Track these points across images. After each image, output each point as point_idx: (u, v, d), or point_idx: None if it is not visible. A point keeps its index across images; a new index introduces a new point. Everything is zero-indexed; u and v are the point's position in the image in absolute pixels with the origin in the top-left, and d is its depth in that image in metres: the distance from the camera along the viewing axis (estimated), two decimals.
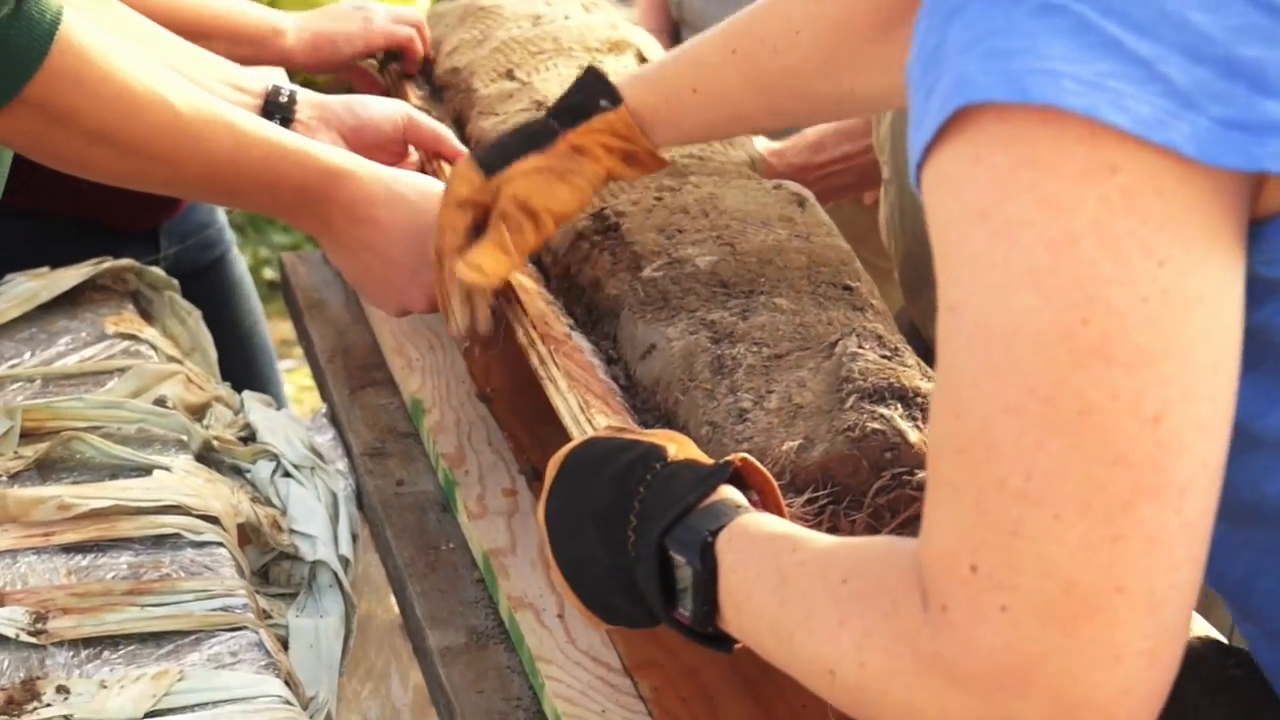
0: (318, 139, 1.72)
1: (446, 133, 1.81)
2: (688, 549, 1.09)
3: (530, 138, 1.52)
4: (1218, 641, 1.18)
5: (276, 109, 1.75)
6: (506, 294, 1.55)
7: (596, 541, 1.16)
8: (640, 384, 1.44)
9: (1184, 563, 0.88)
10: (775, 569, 1.04)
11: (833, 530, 1.21)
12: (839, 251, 1.54)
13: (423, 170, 1.78)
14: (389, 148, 1.80)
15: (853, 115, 1.79)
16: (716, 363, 1.36)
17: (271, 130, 1.53)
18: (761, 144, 2.00)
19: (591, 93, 1.52)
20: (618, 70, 1.84)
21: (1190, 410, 0.87)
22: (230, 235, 2.28)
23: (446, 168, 1.75)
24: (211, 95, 1.50)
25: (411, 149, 1.81)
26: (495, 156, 1.52)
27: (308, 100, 1.78)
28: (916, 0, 0.98)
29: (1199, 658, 1.12)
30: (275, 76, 1.83)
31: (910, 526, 1.21)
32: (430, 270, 1.57)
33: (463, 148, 1.79)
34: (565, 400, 1.38)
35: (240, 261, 2.28)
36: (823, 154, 2.13)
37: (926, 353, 2.01)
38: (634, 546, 1.14)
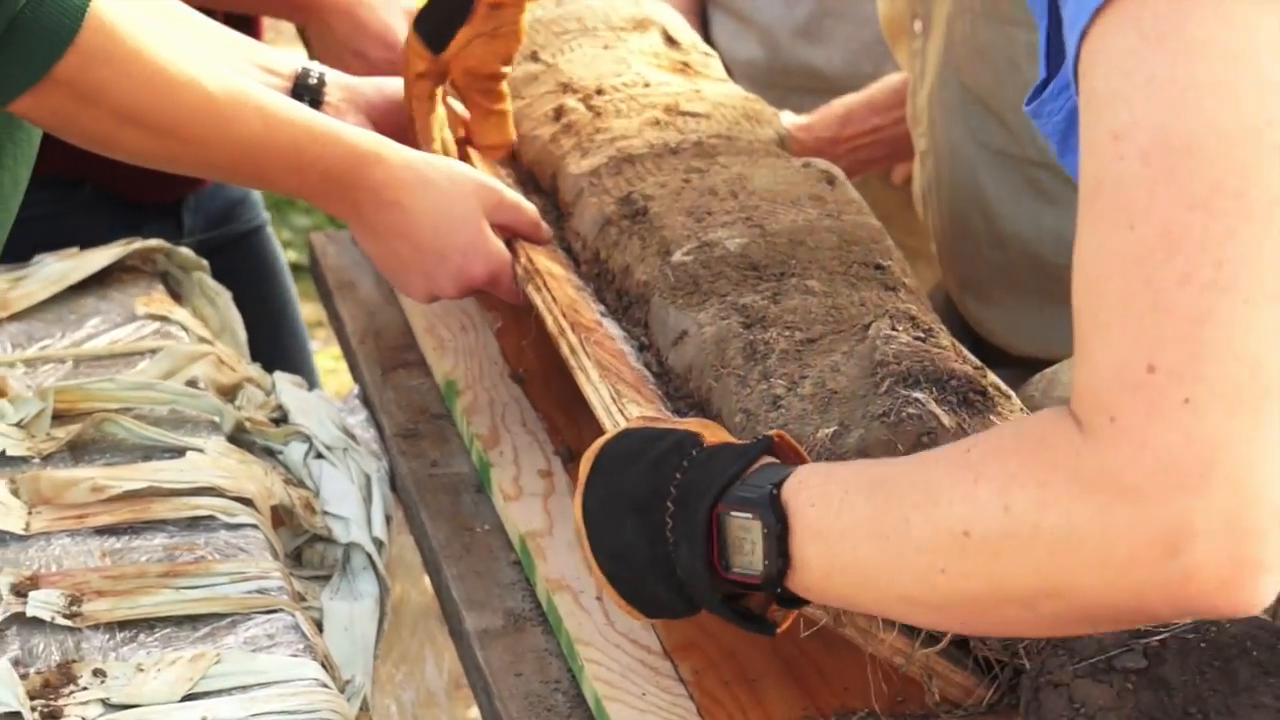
0: (347, 120, 1.71)
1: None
2: (752, 505, 1.08)
3: (457, 8, 1.69)
4: (1268, 623, 1.15)
5: (306, 90, 1.74)
6: (536, 281, 1.53)
7: (634, 532, 1.15)
8: (673, 371, 1.41)
9: None
10: (867, 481, 1.04)
11: None
12: (870, 229, 1.51)
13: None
14: None
15: None
16: (749, 348, 1.34)
17: (301, 112, 1.50)
18: (788, 119, 1.98)
19: None
20: (642, 50, 1.83)
21: None
22: (265, 213, 2.26)
23: (472, 153, 1.77)
24: (242, 76, 1.47)
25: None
26: (434, 29, 1.70)
27: (336, 82, 1.77)
28: None
29: (1250, 639, 1.10)
30: (304, 58, 1.81)
31: None
32: (459, 258, 1.55)
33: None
34: (596, 390, 1.36)
35: (274, 239, 2.26)
36: (850, 127, 2.11)
37: (961, 330, 2.00)
38: (672, 531, 1.12)
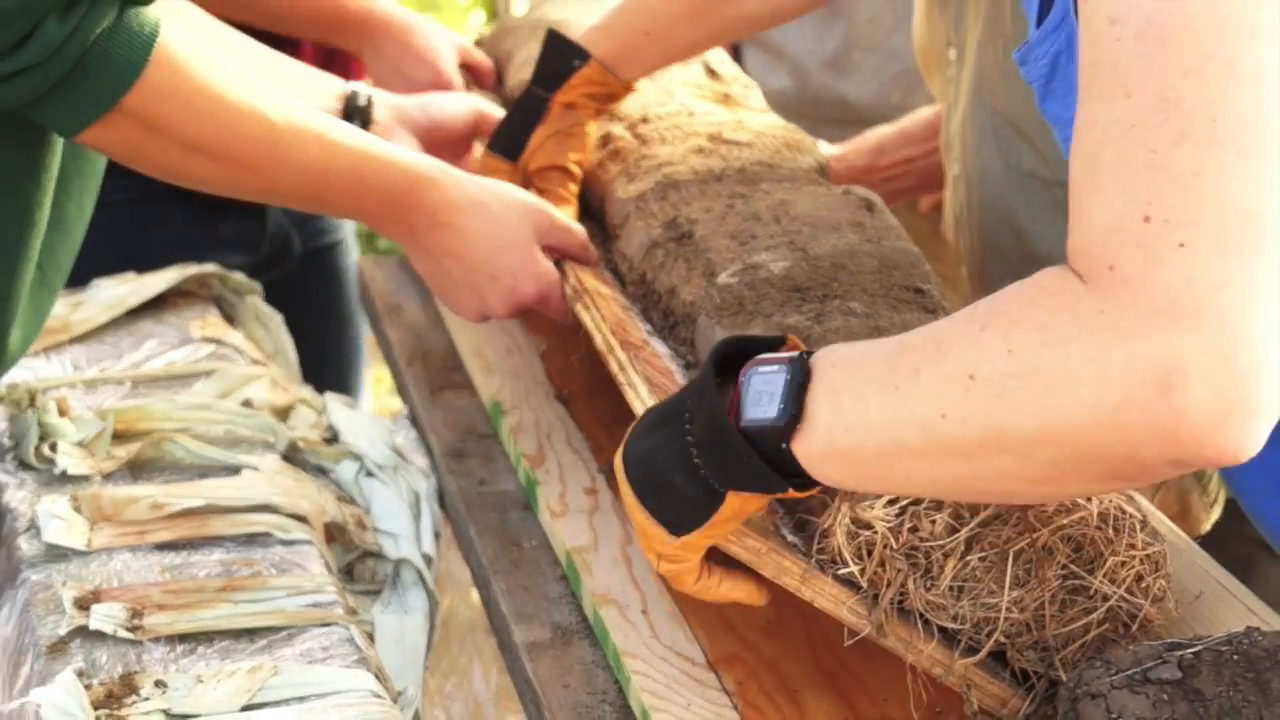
0: (395, 139, 1.74)
1: None
2: (781, 361, 1.12)
3: (529, 113, 1.74)
4: None
5: (355, 112, 1.76)
6: (585, 300, 1.55)
7: (660, 435, 1.19)
8: None
9: None
10: (886, 345, 1.07)
11: (913, 531, 1.20)
12: (909, 255, 1.53)
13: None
14: (461, 142, 1.83)
15: (787, 20, 1.83)
16: None
17: (360, 138, 1.52)
18: (824, 149, 2.00)
19: (563, 56, 1.73)
20: (685, 81, 1.85)
21: None
22: (350, 223, 2.26)
23: None
24: (302, 104, 1.50)
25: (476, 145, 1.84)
26: (508, 142, 1.75)
27: (384, 102, 1.79)
28: None
29: None
30: (349, 81, 1.83)
31: (990, 526, 1.20)
32: (510, 278, 1.57)
33: None
34: (646, 405, 1.37)
35: (353, 251, 2.27)
36: (884, 157, 2.13)
37: None
38: (690, 409, 1.16)
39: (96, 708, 1.27)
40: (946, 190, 1.98)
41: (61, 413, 1.63)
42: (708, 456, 1.15)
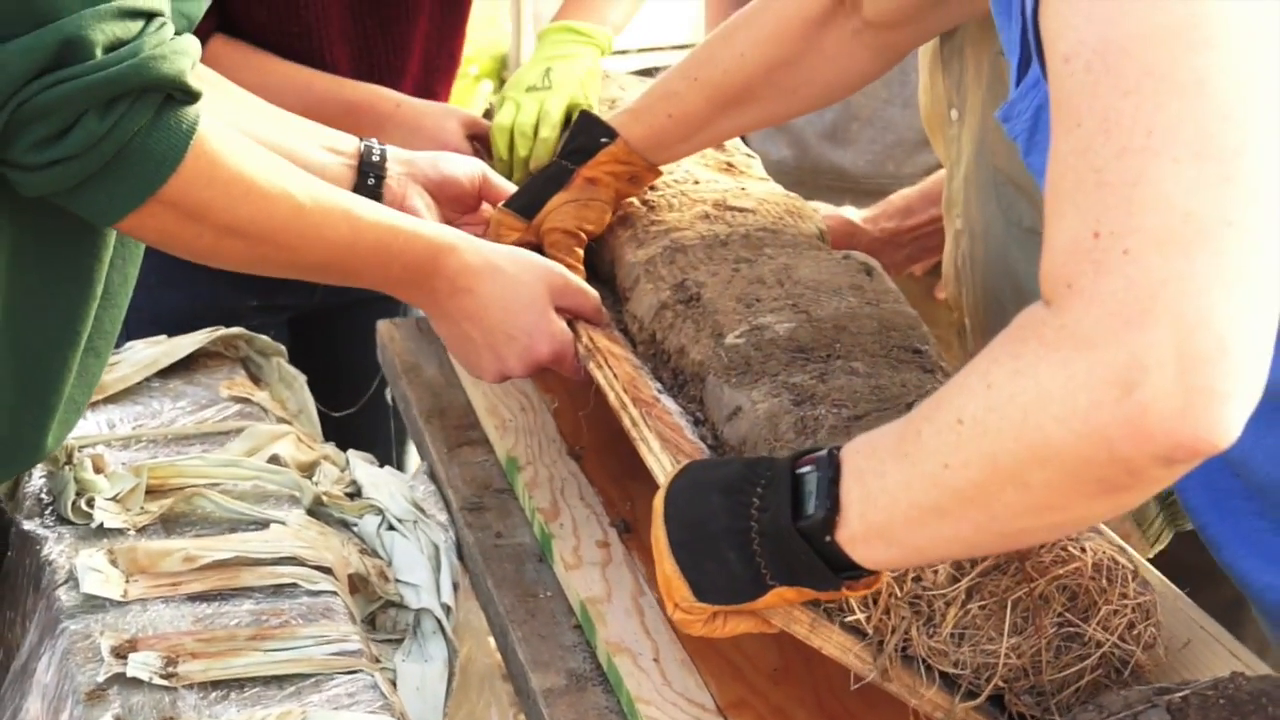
0: (407, 193, 1.78)
1: (514, 189, 1.86)
2: (817, 459, 1.13)
3: (552, 180, 1.78)
4: None
5: (370, 168, 1.78)
6: (598, 358, 1.58)
7: (719, 505, 1.18)
8: (727, 444, 1.45)
9: (1276, 222, 0.96)
10: (900, 421, 1.09)
11: (917, 580, 1.22)
12: (907, 317, 1.55)
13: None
14: (466, 201, 1.85)
15: (802, 109, 1.85)
16: (800, 423, 1.38)
17: (383, 214, 1.54)
18: (850, 212, 2.03)
19: (591, 133, 1.77)
20: None
21: (1272, 87, 0.97)
22: None
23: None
24: (329, 185, 1.52)
25: (485, 205, 1.86)
26: (528, 202, 1.78)
27: (397, 157, 1.81)
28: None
29: (1266, 696, 1.13)
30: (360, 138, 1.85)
31: (989, 576, 1.22)
32: (525, 338, 1.60)
33: None
34: (659, 460, 1.40)
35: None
36: (912, 218, 2.16)
37: None
38: (761, 496, 1.16)
39: None
40: (947, 245, 2.01)
41: (97, 469, 1.65)
42: (770, 548, 1.15)
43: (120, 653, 1.40)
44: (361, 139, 1.81)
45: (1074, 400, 0.96)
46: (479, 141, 2.06)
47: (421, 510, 1.71)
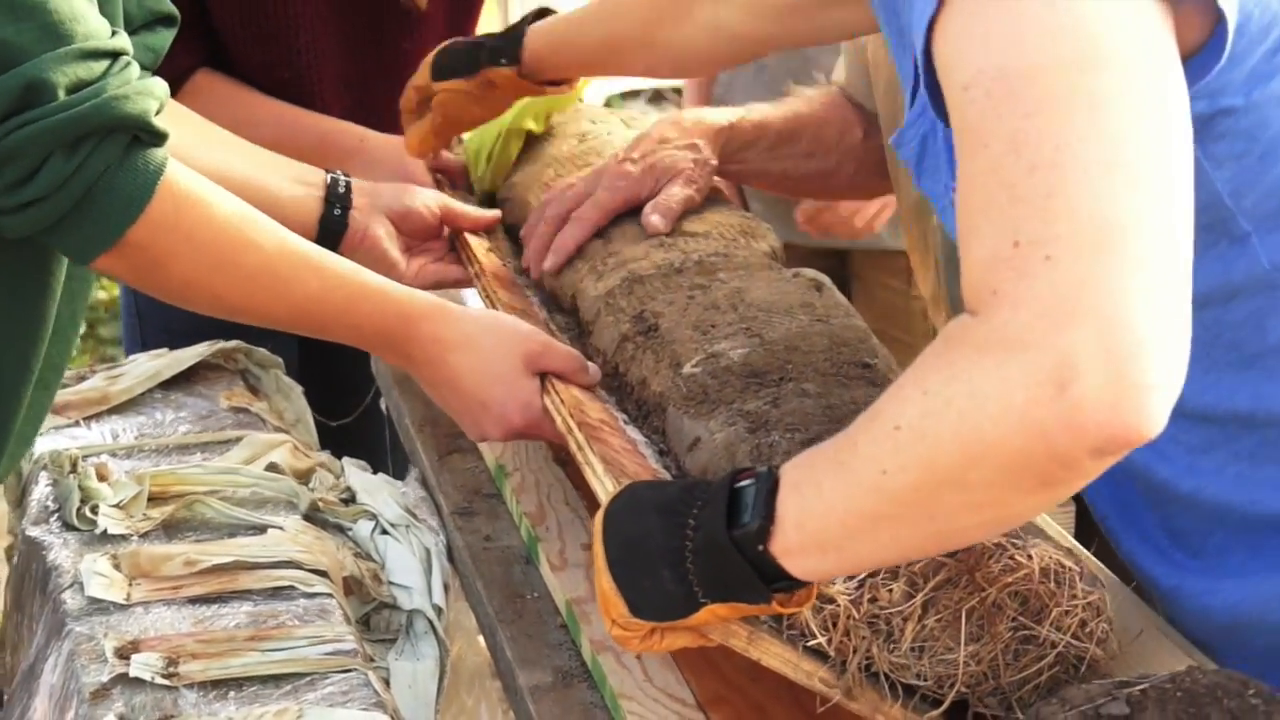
0: (370, 223, 1.76)
1: (479, 213, 1.86)
2: (756, 474, 1.13)
3: (468, 60, 1.82)
4: (1237, 674, 1.18)
5: (336, 199, 1.76)
6: (547, 385, 1.54)
7: (656, 525, 1.16)
8: (689, 474, 1.44)
9: (1183, 228, 1.00)
10: (839, 434, 1.09)
11: (873, 601, 1.21)
12: (856, 330, 1.53)
13: (451, 246, 1.84)
14: (428, 230, 1.83)
15: (675, 73, 1.88)
16: (755, 451, 1.36)
17: (353, 271, 1.50)
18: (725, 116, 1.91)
19: (508, 43, 1.80)
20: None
21: (1164, 108, 1.01)
22: None
23: (472, 240, 1.82)
24: (300, 239, 1.47)
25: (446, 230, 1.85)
26: (442, 67, 1.84)
27: (361, 188, 1.79)
28: None
29: (1220, 689, 1.13)
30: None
31: (942, 590, 1.21)
32: (499, 407, 1.53)
33: (492, 215, 1.88)
34: (602, 482, 1.34)
35: None
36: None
37: None
38: (696, 516, 1.15)
39: None
40: (926, 273, 1.99)
41: (101, 477, 1.65)
42: (703, 565, 1.14)
43: (123, 654, 1.39)
44: (328, 171, 1.79)
45: (1010, 399, 0.97)
46: (443, 174, 2.04)
47: (413, 515, 1.71)
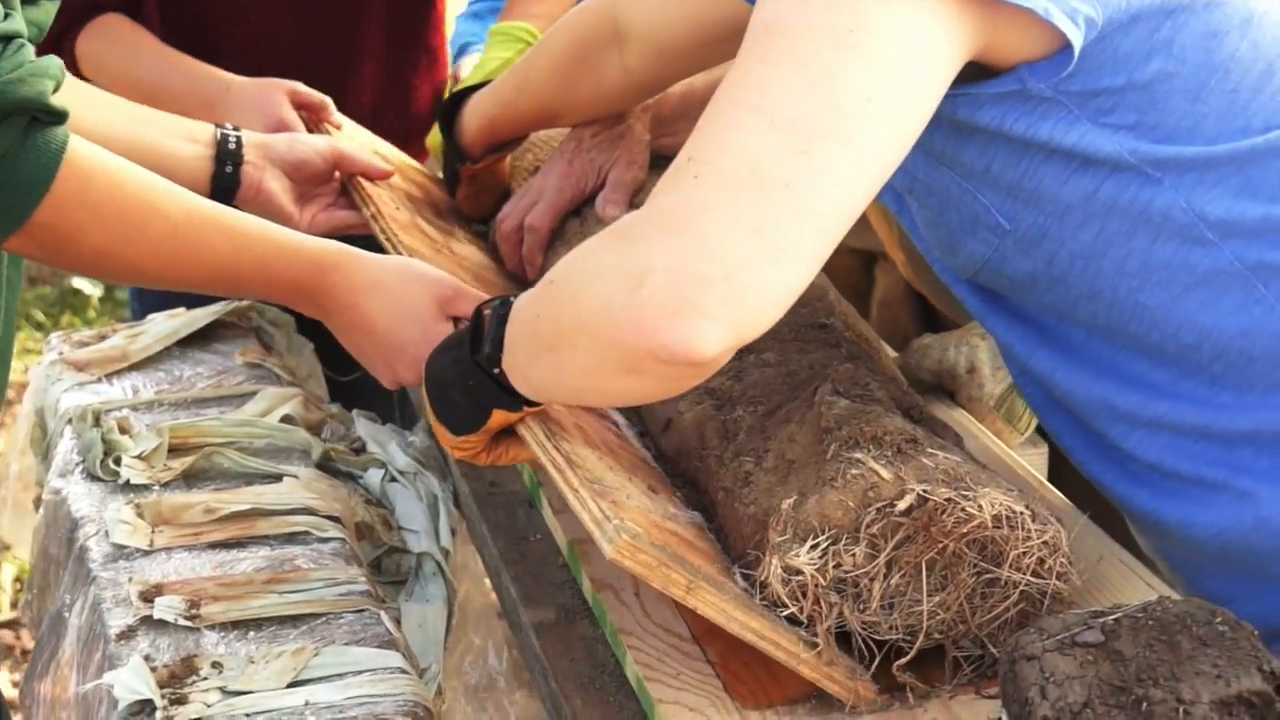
0: (264, 177, 1.70)
1: (369, 159, 1.79)
2: (500, 302, 1.21)
3: (451, 176, 1.86)
4: (1205, 603, 1.18)
5: (227, 155, 1.68)
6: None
7: (444, 360, 1.28)
8: (666, 455, 1.43)
9: (833, 213, 1.02)
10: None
11: (837, 566, 1.20)
12: (813, 287, 1.50)
13: (343, 189, 1.78)
14: (319, 176, 1.76)
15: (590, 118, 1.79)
16: (722, 428, 1.35)
17: (263, 228, 1.45)
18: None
19: (456, 151, 1.82)
20: None
21: (893, 110, 1.03)
22: None
23: (364, 183, 1.77)
24: (211, 203, 1.43)
25: (337, 174, 1.78)
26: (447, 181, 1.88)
27: (252, 141, 1.72)
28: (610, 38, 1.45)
29: (1190, 618, 1.12)
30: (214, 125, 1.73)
31: (902, 548, 1.20)
32: (413, 349, 1.47)
33: (385, 166, 1.80)
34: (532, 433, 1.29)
35: None
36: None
37: (927, 318, 1.99)
38: (459, 349, 1.25)
39: (161, 687, 1.28)
40: (881, 224, 1.96)
41: (123, 430, 1.64)
42: (472, 384, 1.23)
43: (147, 597, 1.39)
44: (217, 126, 1.71)
45: (604, 283, 1.02)
46: (306, 111, 1.93)
47: (421, 464, 1.70)
